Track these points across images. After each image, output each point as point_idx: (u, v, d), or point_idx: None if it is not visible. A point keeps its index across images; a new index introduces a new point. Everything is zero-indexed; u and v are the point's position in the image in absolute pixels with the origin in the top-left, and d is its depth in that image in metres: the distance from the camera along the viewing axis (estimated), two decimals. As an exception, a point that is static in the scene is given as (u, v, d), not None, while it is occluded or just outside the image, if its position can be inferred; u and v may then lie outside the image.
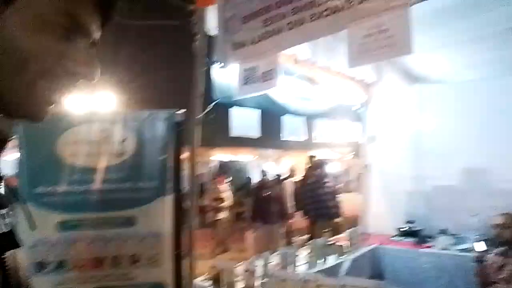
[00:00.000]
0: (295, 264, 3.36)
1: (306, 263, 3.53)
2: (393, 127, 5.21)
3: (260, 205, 6.59)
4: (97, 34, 0.62)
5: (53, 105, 0.59)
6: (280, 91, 3.84)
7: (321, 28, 2.42)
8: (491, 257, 3.21)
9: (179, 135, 2.87)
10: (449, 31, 4.27)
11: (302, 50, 3.67)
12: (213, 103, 2.99)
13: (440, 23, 4.05)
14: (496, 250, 3.22)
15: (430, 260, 4.08)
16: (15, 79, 0.54)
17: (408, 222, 4.69)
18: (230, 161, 17.64)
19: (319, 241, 3.76)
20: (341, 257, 3.83)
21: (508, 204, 4.29)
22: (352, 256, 3.92)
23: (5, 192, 0.61)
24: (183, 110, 2.91)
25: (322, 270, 3.47)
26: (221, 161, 17.52)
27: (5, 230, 0.57)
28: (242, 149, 17.51)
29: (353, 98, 5.07)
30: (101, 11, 0.61)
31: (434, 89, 5.13)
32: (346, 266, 3.84)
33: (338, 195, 5.49)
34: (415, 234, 4.53)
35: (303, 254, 3.61)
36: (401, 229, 4.66)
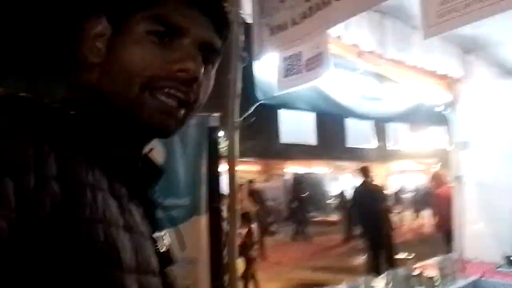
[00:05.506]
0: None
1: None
2: (488, 130, 4.27)
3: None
4: (194, 29, 0.63)
5: (175, 113, 0.64)
6: (341, 90, 3.25)
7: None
8: None
9: (214, 143, 2.45)
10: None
11: (365, 40, 3.07)
12: (255, 105, 2.51)
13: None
14: None
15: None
16: (127, 94, 0.61)
17: (520, 247, 3.71)
18: (306, 174, 16.92)
19: (400, 271, 3.03)
20: (429, 291, 3.05)
21: None
22: (445, 290, 3.11)
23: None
24: (217, 114, 2.49)
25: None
26: (296, 174, 16.91)
27: (164, 249, 0.69)
28: (293, 159, 16.79)
29: (436, 98, 4.26)
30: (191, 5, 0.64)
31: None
32: (437, 303, 3.04)
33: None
34: (530, 264, 3.55)
35: (379, 286, 2.91)
36: (510, 257, 3.70)
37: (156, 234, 0.68)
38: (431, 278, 3.15)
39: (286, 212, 15.88)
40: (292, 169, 17.35)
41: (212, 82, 0.70)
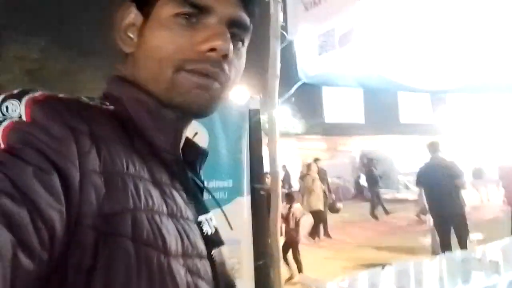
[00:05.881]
0: (420, 283, 2.59)
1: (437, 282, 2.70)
2: None
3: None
4: (220, 7, 0.63)
5: (209, 90, 0.63)
6: (389, 64, 3.06)
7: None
8: None
9: (255, 124, 2.47)
10: None
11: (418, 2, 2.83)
12: (296, 85, 2.48)
13: None
14: None
15: None
16: (161, 78, 0.63)
17: None
18: (374, 151, 16.31)
19: (458, 253, 2.87)
20: (492, 276, 2.85)
21: None
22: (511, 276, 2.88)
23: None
24: (258, 96, 2.50)
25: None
26: (363, 151, 16.34)
27: (212, 231, 0.68)
28: (341, 138, 16.26)
29: (507, 64, 3.85)
30: None
31: None
32: (502, 290, 2.84)
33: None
34: None
35: (431, 269, 2.78)
36: None
37: (202, 217, 0.68)
38: (494, 261, 2.94)
39: (353, 189, 15.58)
40: (357, 145, 16.89)
41: (244, 60, 0.70)
